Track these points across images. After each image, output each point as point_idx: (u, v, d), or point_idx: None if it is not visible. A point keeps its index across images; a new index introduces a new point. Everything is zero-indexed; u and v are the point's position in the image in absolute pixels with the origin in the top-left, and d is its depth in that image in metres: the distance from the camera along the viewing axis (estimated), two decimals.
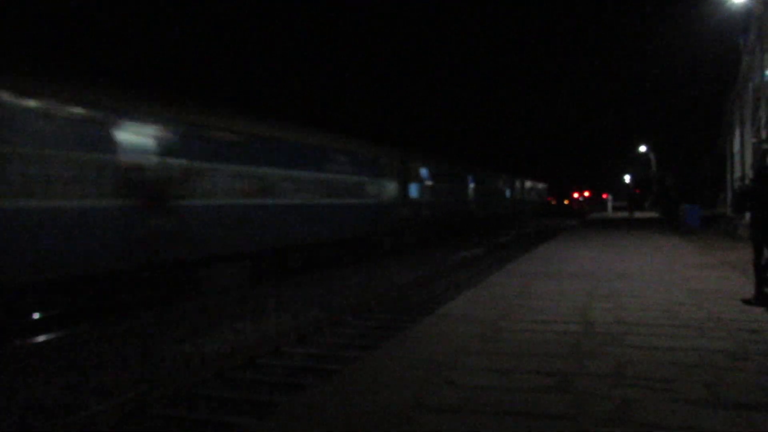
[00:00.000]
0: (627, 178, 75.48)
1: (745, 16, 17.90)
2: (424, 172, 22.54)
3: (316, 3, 77.42)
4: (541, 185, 56.34)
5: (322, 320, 8.70)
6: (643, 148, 54.57)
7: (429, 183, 23.03)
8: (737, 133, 26.12)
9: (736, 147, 26.64)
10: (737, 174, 27.14)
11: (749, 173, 18.22)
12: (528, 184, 45.84)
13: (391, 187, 19.27)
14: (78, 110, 8.13)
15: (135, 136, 9.02)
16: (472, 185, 29.18)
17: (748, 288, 7.25)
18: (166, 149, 9.58)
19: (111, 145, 8.59)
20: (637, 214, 42.09)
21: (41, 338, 8.05)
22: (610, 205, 58.69)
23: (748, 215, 6.96)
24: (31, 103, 7.44)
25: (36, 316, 9.30)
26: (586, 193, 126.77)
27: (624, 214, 45.88)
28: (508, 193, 37.70)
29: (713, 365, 4.05)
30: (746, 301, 6.37)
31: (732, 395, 3.45)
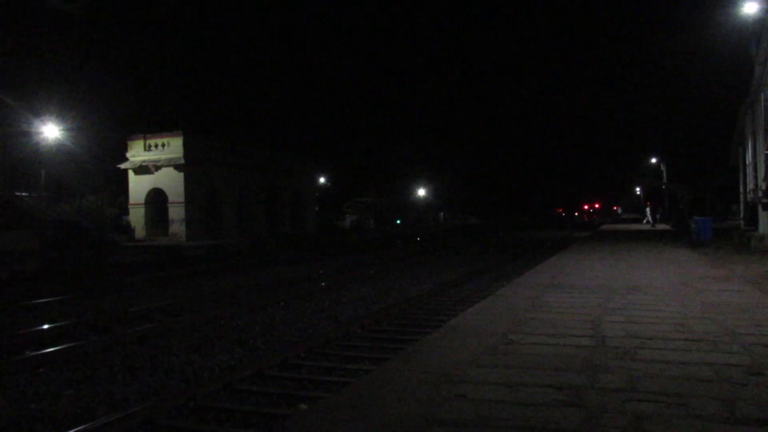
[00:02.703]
0: (638, 190, 75.14)
1: (758, 26, 17.82)
2: None
3: None
4: None
5: None
6: (654, 160, 54.35)
7: None
8: (749, 144, 25.91)
9: (749, 158, 26.42)
10: (750, 186, 26.90)
11: (762, 185, 18.04)
12: None
13: None
14: None
15: None
16: None
17: (763, 301, 7.16)
18: None
19: None
20: (649, 226, 41.79)
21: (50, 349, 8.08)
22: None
23: (762, 227, 6.88)
24: None
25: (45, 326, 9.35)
26: (597, 205, 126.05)
27: (636, 226, 45.57)
28: None
29: (729, 380, 3.98)
30: None
31: (749, 411, 3.38)
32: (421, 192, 75.29)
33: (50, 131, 31.96)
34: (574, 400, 3.62)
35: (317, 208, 54.58)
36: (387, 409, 3.53)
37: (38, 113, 32.18)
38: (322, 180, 59.70)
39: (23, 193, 34.32)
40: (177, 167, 37.16)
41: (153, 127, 39.76)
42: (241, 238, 37.43)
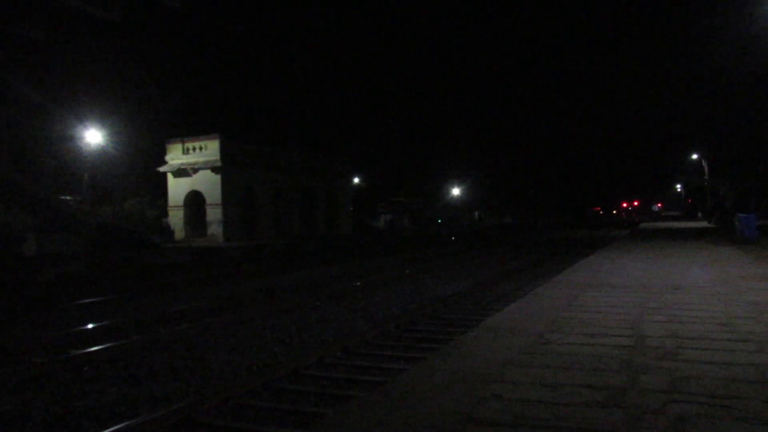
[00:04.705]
0: (678, 187, 73.45)
1: None
2: None
3: None
4: None
5: None
6: (695, 156, 53.01)
7: None
8: None
9: None
10: None
11: None
12: None
13: None
14: None
15: None
16: None
17: None
18: None
19: None
20: (691, 224, 40.67)
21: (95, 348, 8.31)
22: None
23: None
24: None
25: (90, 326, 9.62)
26: (635, 203, 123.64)
27: (677, 224, 44.51)
28: None
29: None
30: None
31: None
32: (456, 191, 74.96)
33: (93, 136, 32.83)
34: (613, 401, 3.57)
35: (352, 209, 54.78)
36: (422, 408, 3.53)
37: (81, 118, 33.10)
38: (356, 180, 59.93)
39: (67, 197, 35.33)
40: (214, 170, 37.76)
41: (190, 130, 40.49)
42: (277, 239, 37.84)
